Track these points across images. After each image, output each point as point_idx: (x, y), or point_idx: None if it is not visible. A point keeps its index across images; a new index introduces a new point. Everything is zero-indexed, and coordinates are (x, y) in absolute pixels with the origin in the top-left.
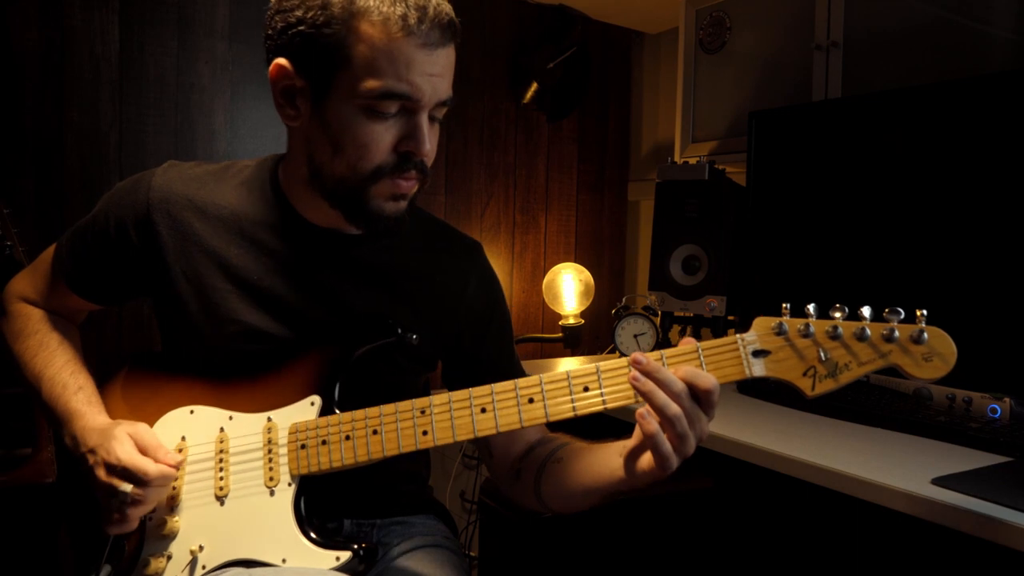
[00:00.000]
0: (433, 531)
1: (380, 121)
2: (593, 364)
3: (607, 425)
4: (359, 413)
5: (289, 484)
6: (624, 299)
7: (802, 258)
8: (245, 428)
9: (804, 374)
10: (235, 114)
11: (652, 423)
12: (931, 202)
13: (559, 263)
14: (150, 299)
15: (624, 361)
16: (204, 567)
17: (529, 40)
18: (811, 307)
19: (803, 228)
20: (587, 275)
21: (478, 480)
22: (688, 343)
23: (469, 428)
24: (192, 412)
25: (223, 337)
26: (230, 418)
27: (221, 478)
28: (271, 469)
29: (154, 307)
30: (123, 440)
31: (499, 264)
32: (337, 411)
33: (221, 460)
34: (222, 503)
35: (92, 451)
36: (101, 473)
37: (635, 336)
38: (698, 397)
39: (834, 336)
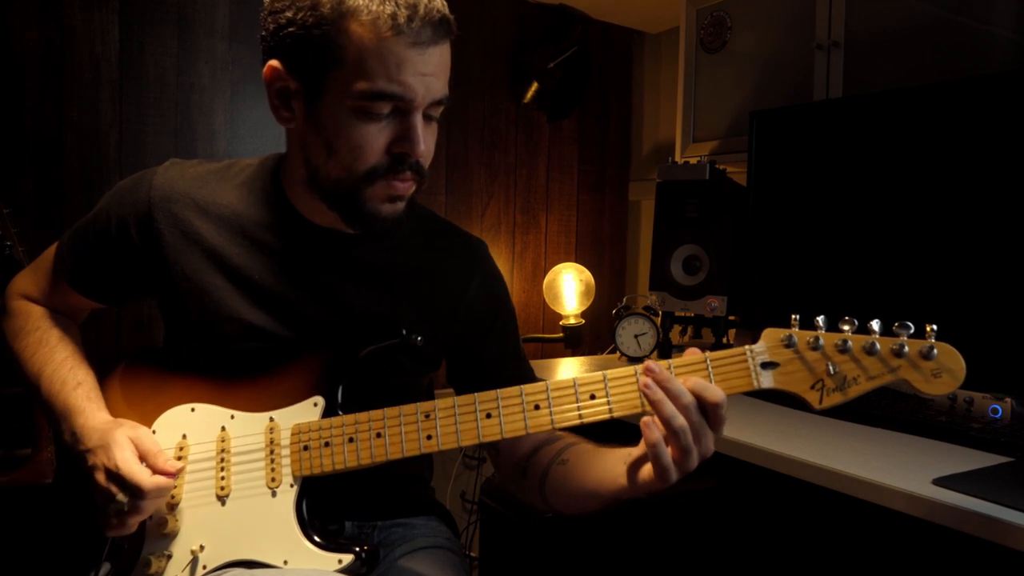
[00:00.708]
0: (434, 533)
1: (373, 122)
2: (600, 372)
3: (616, 425)
4: (362, 415)
5: (291, 485)
6: (625, 299)
7: (803, 258)
8: (247, 428)
9: (812, 387)
10: (235, 114)
11: (655, 432)
12: (932, 202)
13: (560, 263)
14: (152, 298)
15: (631, 370)
16: (205, 567)
17: (529, 40)
18: (820, 319)
19: (804, 228)
20: (588, 275)
21: (478, 480)
22: (693, 353)
23: (474, 433)
24: (193, 410)
25: (224, 336)
26: (232, 417)
27: (222, 478)
28: (273, 470)
29: (158, 306)
30: (123, 445)
31: (499, 264)
32: (340, 413)
33: (222, 459)
34: (223, 503)
35: (92, 451)
36: (100, 477)
37: (636, 336)
38: (705, 411)
39: (843, 350)
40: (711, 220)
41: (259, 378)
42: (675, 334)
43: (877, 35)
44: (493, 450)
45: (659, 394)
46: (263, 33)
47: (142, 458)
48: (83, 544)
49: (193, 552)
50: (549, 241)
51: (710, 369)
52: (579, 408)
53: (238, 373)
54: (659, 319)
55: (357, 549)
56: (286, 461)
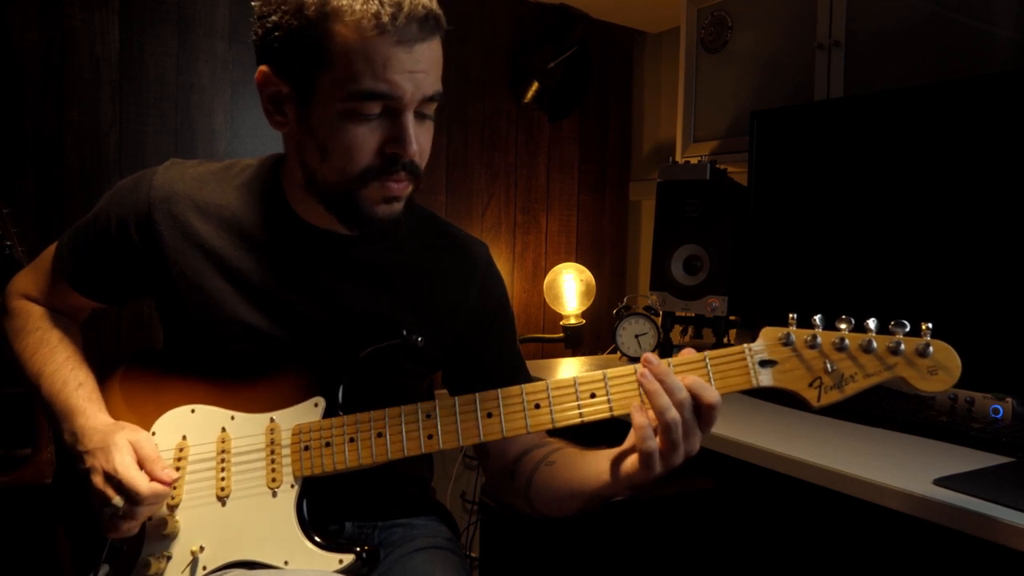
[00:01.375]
0: (435, 533)
1: (363, 123)
2: (600, 371)
3: (607, 430)
4: (363, 415)
5: (292, 486)
6: (625, 299)
7: (803, 258)
8: (247, 428)
9: (810, 385)
10: (235, 114)
11: (642, 417)
12: (933, 202)
13: (560, 263)
14: (152, 298)
15: (631, 368)
16: (205, 568)
17: (530, 40)
18: (817, 318)
19: (804, 228)
20: (588, 275)
21: (479, 481)
22: (689, 352)
23: (475, 433)
24: (193, 411)
25: (223, 337)
26: (232, 418)
27: (223, 478)
28: (274, 470)
29: (156, 306)
30: (123, 449)
31: (500, 264)
32: (341, 413)
33: (223, 460)
34: (223, 503)
35: (91, 453)
36: (98, 480)
37: (636, 336)
38: (699, 411)
39: (840, 348)
40: (712, 220)
41: (259, 379)
42: (676, 334)
43: (878, 35)
44: (482, 453)
45: (655, 385)
46: (254, 38)
47: (141, 463)
48: (82, 545)
49: (193, 553)
50: (549, 241)
51: (709, 367)
52: (580, 407)
53: (238, 374)
54: (660, 319)
55: (358, 549)
56: (287, 461)
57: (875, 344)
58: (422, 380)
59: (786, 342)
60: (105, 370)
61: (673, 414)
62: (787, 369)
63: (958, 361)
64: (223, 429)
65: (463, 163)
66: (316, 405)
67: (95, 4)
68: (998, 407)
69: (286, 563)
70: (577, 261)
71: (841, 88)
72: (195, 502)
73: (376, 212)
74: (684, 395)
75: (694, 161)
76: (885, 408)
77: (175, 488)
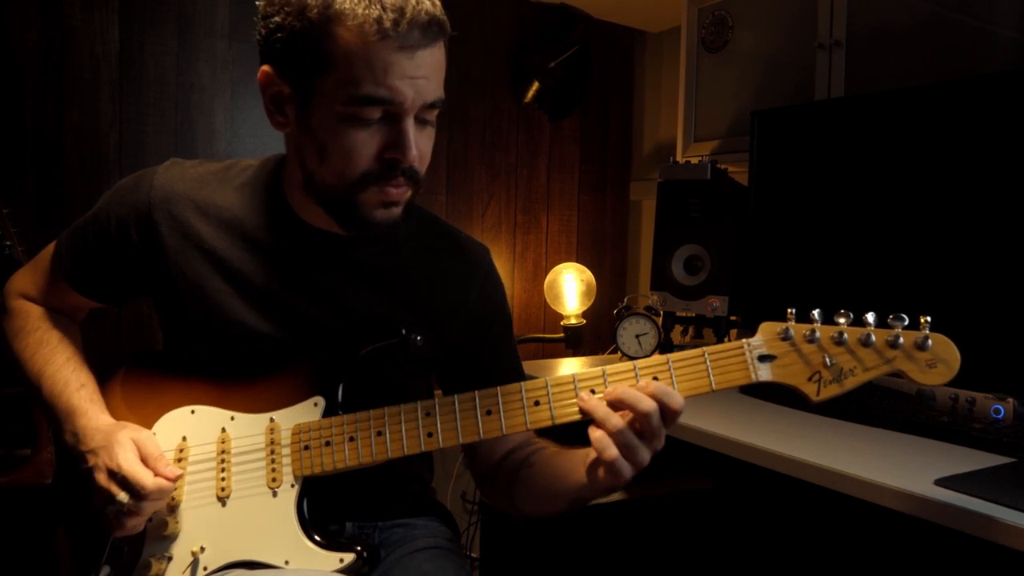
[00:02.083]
0: (435, 533)
1: (363, 128)
2: (599, 367)
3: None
4: (363, 414)
5: (292, 485)
6: (626, 299)
7: (804, 258)
8: (247, 428)
9: (809, 379)
10: (235, 114)
11: (595, 431)
12: (934, 202)
13: (560, 263)
14: (150, 298)
15: (630, 365)
16: (206, 568)
17: (530, 39)
18: (816, 312)
19: (805, 228)
20: (589, 275)
21: None
22: (661, 359)
23: (474, 430)
24: (193, 412)
25: (223, 338)
26: (232, 418)
27: (223, 479)
28: (274, 470)
29: (155, 306)
30: (126, 446)
31: (500, 264)
32: (341, 412)
33: (223, 460)
34: (224, 504)
35: (94, 452)
36: (101, 477)
37: (637, 336)
38: (665, 415)
39: (839, 342)
40: (712, 220)
41: (259, 379)
42: (676, 334)
43: (879, 34)
44: (470, 453)
45: (602, 411)
46: (257, 38)
47: (144, 461)
48: (83, 546)
49: (194, 553)
50: (550, 241)
51: (708, 363)
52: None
53: (238, 375)
54: (660, 319)
55: (358, 548)
56: (287, 461)
57: (874, 338)
58: (422, 380)
59: (785, 337)
60: (105, 370)
61: (627, 438)
62: (786, 364)
63: (957, 354)
64: (223, 429)
65: (463, 163)
66: (316, 404)
67: (95, 4)
68: (999, 407)
69: (287, 563)
70: (578, 261)
71: (842, 88)
72: (195, 503)
73: (374, 216)
74: (647, 405)
75: (695, 161)
76: (886, 408)
77: (175, 488)
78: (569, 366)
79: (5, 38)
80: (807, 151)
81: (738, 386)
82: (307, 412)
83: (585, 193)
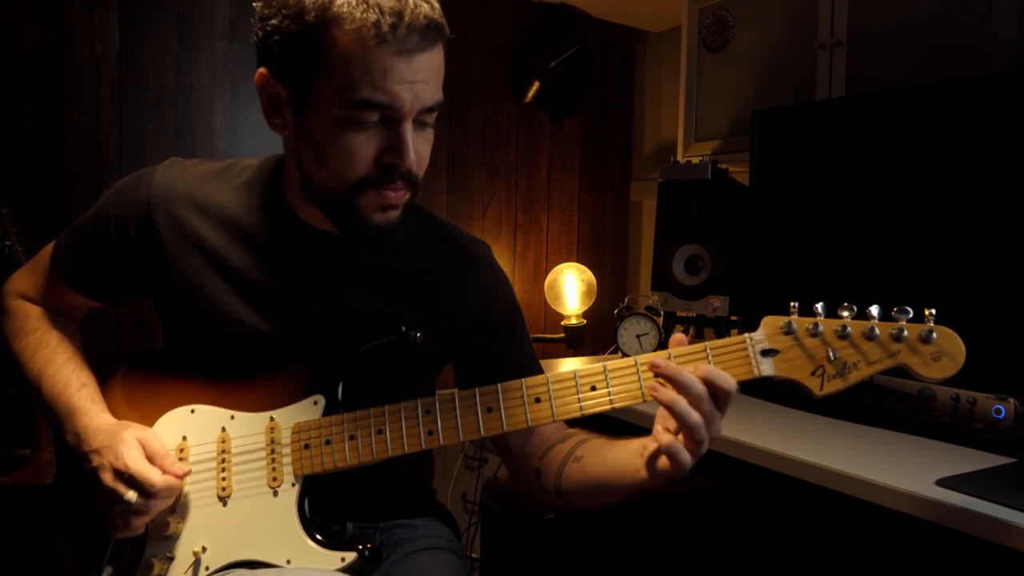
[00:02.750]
0: (436, 534)
1: (360, 131)
2: (600, 363)
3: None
4: (363, 412)
5: (293, 484)
6: (627, 299)
7: (805, 258)
8: (247, 428)
9: (813, 373)
10: (235, 114)
11: (666, 436)
12: (935, 202)
13: (561, 263)
14: (150, 298)
15: (631, 360)
16: (207, 568)
17: (530, 39)
18: (819, 306)
19: (806, 228)
20: (589, 275)
21: (480, 481)
22: (680, 340)
23: (475, 428)
24: (193, 411)
25: (223, 337)
26: (232, 418)
27: (223, 479)
28: (274, 469)
29: (155, 306)
30: (132, 445)
31: (501, 264)
32: (341, 411)
33: (223, 460)
34: (225, 504)
35: (97, 452)
36: (107, 477)
37: (637, 336)
38: (717, 398)
39: (843, 335)
40: (713, 220)
41: (258, 378)
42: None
43: (879, 34)
44: (505, 452)
45: (671, 395)
46: (254, 39)
47: (150, 459)
48: (84, 547)
49: (195, 554)
50: (550, 241)
51: (710, 357)
52: (580, 400)
53: (237, 374)
54: (661, 319)
55: (360, 547)
56: (287, 460)
57: (878, 331)
58: (422, 382)
59: (788, 331)
60: (105, 370)
61: (695, 417)
62: (789, 358)
63: (962, 347)
64: (223, 429)
65: (464, 163)
66: (316, 403)
67: (95, 4)
68: (1000, 407)
69: (288, 562)
70: (578, 261)
71: (843, 88)
72: (196, 503)
73: (373, 220)
74: (699, 389)
75: (695, 161)
76: (887, 408)
77: (183, 485)
78: (570, 366)
79: (5, 38)
80: (808, 151)
81: (739, 382)
82: (307, 411)
83: (585, 193)
